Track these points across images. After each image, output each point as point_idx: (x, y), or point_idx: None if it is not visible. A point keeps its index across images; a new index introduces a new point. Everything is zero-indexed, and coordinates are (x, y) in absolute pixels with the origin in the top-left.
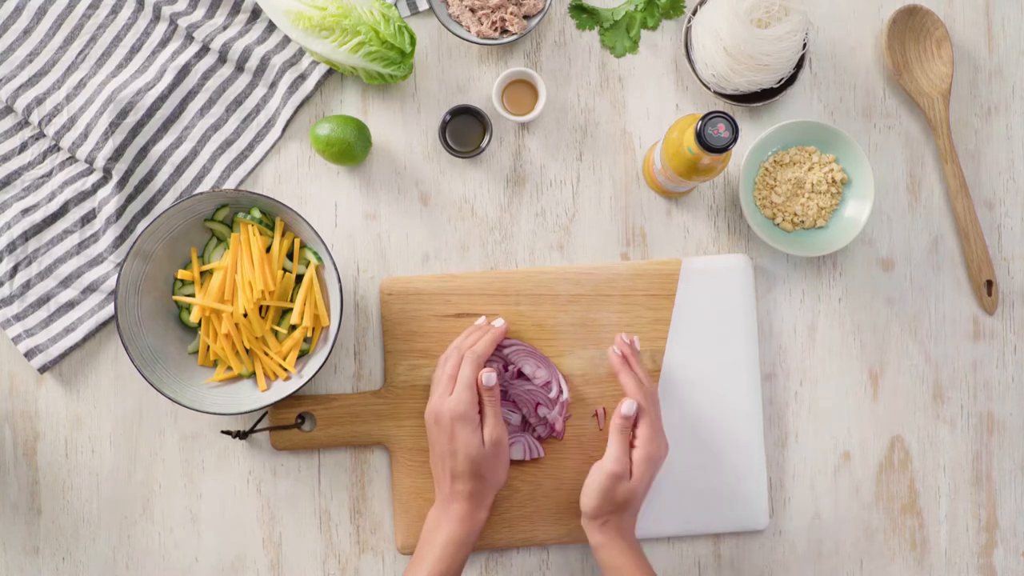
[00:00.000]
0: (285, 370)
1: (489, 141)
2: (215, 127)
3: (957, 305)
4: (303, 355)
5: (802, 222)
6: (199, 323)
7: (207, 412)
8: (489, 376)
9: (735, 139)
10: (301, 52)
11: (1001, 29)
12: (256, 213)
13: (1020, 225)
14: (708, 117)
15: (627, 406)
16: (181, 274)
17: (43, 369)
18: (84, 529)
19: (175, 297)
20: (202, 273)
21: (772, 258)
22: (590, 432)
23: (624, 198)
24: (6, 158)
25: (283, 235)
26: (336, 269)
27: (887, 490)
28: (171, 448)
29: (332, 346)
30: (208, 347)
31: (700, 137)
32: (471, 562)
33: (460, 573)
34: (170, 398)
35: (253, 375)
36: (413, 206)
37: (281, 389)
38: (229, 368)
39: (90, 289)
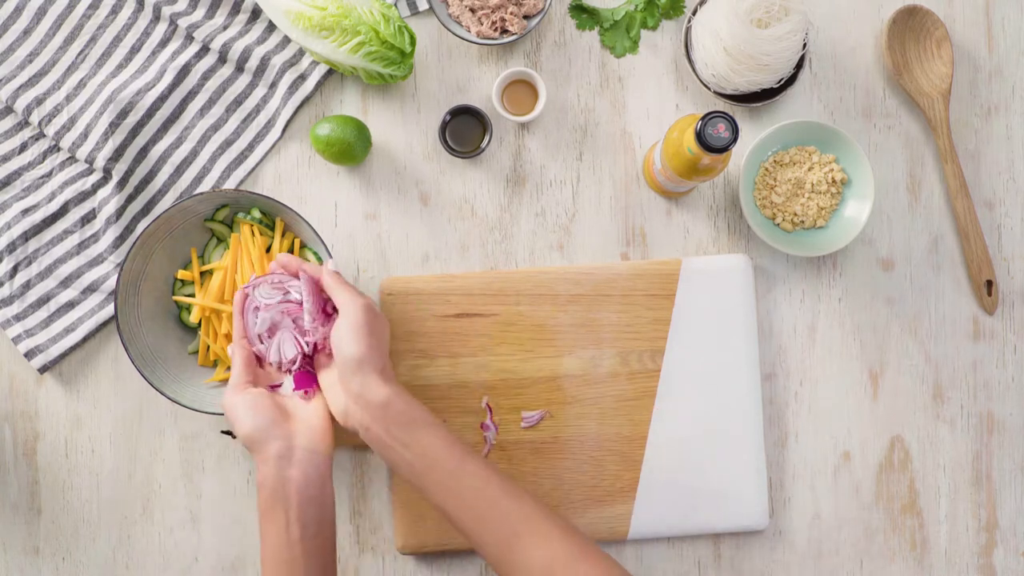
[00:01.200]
0: None
1: (489, 141)
2: (215, 127)
3: (957, 305)
4: None
5: (802, 222)
6: (199, 323)
7: (207, 412)
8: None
9: (735, 139)
10: (301, 52)
11: (1001, 29)
12: (256, 213)
13: (1020, 225)
14: (708, 117)
15: (332, 263)
16: (181, 274)
17: (43, 369)
18: (84, 529)
19: (175, 297)
20: (202, 273)
21: (772, 258)
22: (589, 432)
23: (624, 198)
24: (6, 158)
25: (283, 235)
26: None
27: (887, 490)
28: (171, 448)
29: None
30: (208, 347)
31: (700, 137)
32: (473, 562)
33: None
34: (170, 398)
35: None
36: (413, 206)
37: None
38: (229, 368)
39: (90, 289)
